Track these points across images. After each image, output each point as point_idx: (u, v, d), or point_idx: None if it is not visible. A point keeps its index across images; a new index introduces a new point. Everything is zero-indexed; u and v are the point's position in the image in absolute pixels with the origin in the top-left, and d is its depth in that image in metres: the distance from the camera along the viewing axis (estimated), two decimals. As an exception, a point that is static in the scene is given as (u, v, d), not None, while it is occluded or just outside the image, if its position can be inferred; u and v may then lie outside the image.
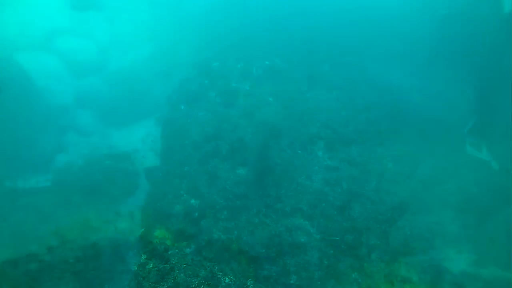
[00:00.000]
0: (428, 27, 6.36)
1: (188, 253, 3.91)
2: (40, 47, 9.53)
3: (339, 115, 5.96)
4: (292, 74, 6.57)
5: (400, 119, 6.38)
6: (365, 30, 7.59)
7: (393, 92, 7.41)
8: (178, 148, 5.04)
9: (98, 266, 6.27)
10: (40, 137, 7.02)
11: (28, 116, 6.79)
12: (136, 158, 7.97)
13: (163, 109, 6.44)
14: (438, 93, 7.46)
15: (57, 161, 7.18)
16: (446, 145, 5.95)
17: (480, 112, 4.78)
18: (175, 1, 9.62)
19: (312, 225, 4.38)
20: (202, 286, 3.65)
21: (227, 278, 3.69)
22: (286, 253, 4.00)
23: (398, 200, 5.02)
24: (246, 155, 4.77)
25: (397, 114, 6.50)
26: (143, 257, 4.54)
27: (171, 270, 3.80)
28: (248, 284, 3.75)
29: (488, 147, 4.75)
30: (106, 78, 9.01)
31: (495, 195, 5.17)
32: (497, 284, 4.38)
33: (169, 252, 3.92)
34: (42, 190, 6.45)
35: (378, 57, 7.77)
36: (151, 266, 4.14)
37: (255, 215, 4.25)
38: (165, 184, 4.64)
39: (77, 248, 6.30)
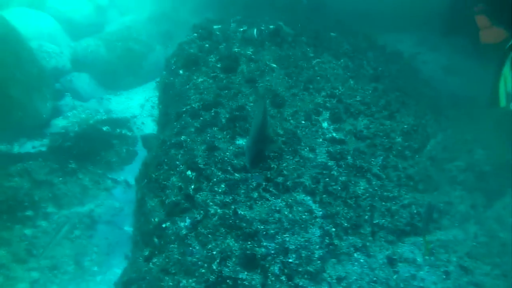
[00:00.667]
0: None
1: (182, 227, 3.75)
2: (32, 5, 9.11)
3: (346, 84, 5.66)
4: (297, 40, 6.21)
5: (410, 91, 6.10)
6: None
7: (403, 63, 7.11)
8: (175, 116, 4.79)
9: (94, 233, 6.29)
10: (35, 101, 6.78)
11: (22, 79, 6.53)
12: (134, 124, 7.81)
13: (162, 73, 6.17)
14: (451, 64, 7.15)
15: (53, 126, 7.01)
16: (458, 120, 5.72)
17: None
18: (176, -41, 9.13)
19: (315, 201, 4.20)
20: (198, 263, 3.55)
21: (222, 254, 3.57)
22: (285, 230, 3.86)
23: (406, 176, 4.83)
24: (247, 125, 4.52)
25: (407, 86, 6.21)
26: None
27: (166, 244, 3.69)
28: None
29: None
30: (104, 40, 8.68)
31: (507, 174, 4.99)
32: (504, 266, 4.28)
33: (163, 226, 3.80)
34: (38, 155, 6.32)
35: (387, 25, 7.42)
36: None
37: (254, 189, 4.06)
38: (161, 154, 4.43)
39: (74, 215, 6.29)
